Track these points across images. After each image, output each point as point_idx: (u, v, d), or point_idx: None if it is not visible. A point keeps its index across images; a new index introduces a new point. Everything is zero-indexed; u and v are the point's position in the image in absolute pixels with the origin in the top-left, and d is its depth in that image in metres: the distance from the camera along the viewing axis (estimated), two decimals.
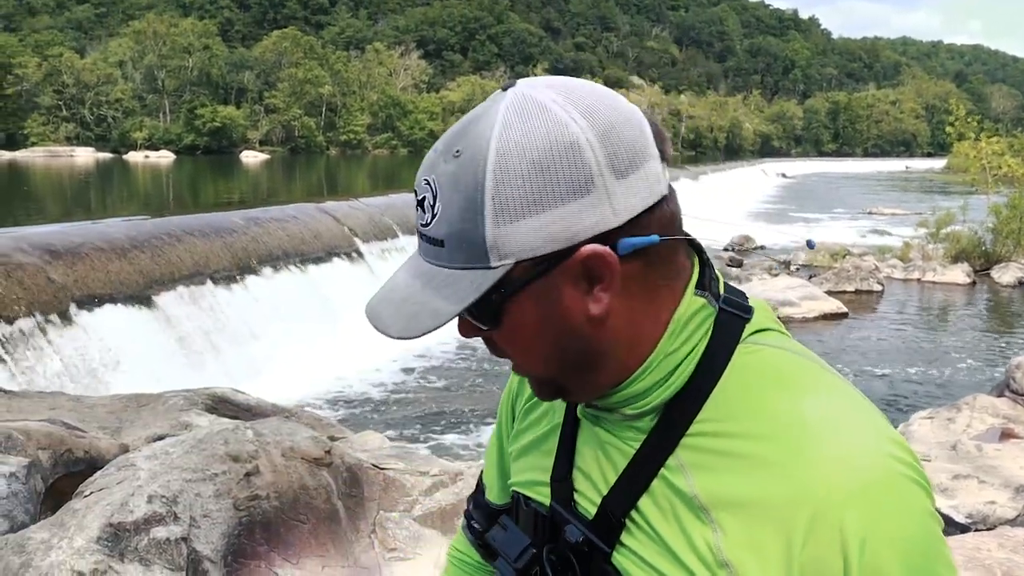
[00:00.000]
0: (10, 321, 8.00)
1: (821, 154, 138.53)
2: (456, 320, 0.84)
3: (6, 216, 20.81)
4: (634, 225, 0.79)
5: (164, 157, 75.77)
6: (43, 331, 8.26)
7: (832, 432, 0.77)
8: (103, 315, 9.03)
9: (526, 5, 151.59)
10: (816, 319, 13.97)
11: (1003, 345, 13.18)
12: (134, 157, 75.26)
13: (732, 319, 0.86)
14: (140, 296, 9.66)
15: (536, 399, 1.04)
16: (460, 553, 1.23)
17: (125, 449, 3.94)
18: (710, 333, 0.85)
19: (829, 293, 15.25)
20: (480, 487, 1.18)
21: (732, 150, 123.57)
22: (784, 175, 69.16)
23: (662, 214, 0.81)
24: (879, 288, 16.79)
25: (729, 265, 18.97)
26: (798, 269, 19.24)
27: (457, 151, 0.78)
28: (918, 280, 18.10)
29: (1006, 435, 6.18)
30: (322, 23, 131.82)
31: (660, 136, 0.82)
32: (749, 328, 0.87)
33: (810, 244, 21.51)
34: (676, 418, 0.84)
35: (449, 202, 0.78)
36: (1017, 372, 7.05)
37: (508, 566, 0.96)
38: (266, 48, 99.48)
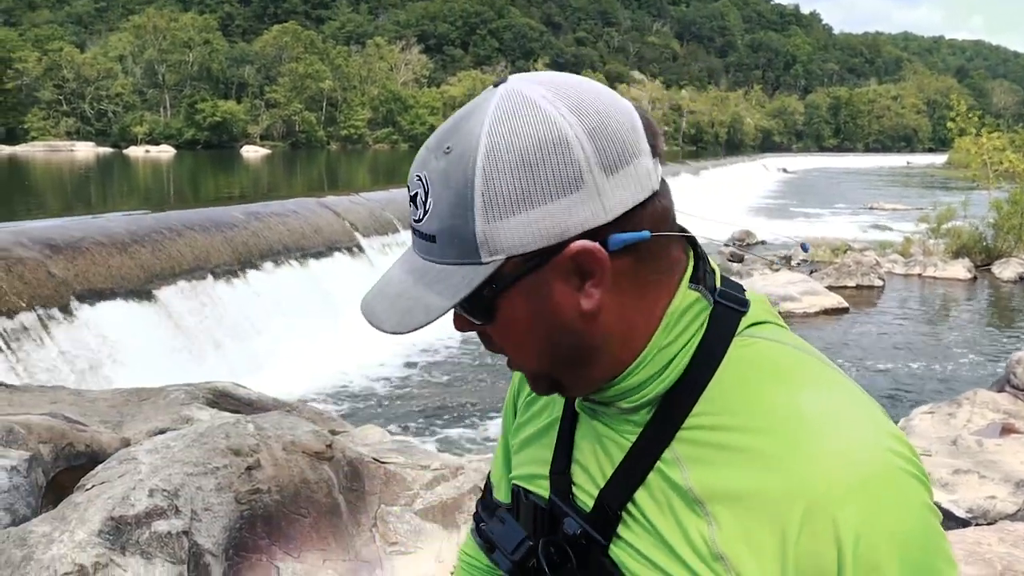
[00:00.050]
0: (11, 315, 8.00)
1: (822, 149, 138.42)
2: (452, 315, 0.85)
3: (6, 211, 20.82)
4: (625, 221, 0.79)
5: (164, 152, 75.77)
6: (44, 325, 8.26)
7: (829, 426, 0.77)
8: (104, 309, 9.03)
9: (527, 0, 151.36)
10: (817, 314, 13.97)
11: (1004, 340, 13.18)
12: (134, 152, 75.25)
13: (728, 312, 0.86)
14: (141, 290, 9.66)
15: (534, 394, 1.04)
16: (469, 557, 1.23)
17: (126, 443, 3.94)
18: (705, 327, 0.85)
19: (830, 288, 15.24)
20: (488, 488, 1.18)
21: (733, 145, 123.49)
22: (785, 170, 69.07)
23: (654, 209, 0.81)
24: (880, 283, 16.79)
25: (730, 260, 18.97)
26: (799, 264, 19.24)
27: (448, 147, 0.79)
28: (919, 275, 18.09)
29: (1006, 430, 6.18)
30: (323, 17, 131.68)
31: (652, 131, 0.82)
32: (745, 321, 0.87)
33: (804, 248, 21.54)
34: (672, 411, 0.84)
35: (440, 198, 0.79)
36: (1018, 367, 7.05)
37: (505, 558, 0.96)
38: (266, 43, 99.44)
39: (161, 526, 2.96)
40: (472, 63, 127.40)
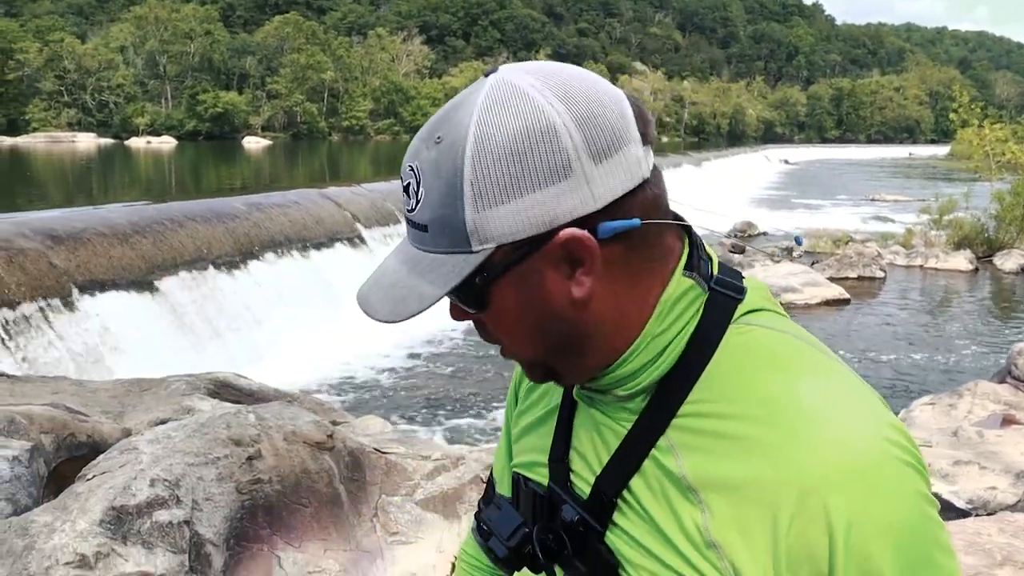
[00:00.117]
0: (13, 306, 8.01)
1: (824, 140, 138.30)
2: (448, 305, 0.86)
3: (8, 201, 20.82)
4: (615, 209, 0.79)
5: (166, 143, 75.71)
6: (45, 316, 8.27)
7: (824, 414, 0.77)
8: (105, 300, 9.03)
9: None
10: (818, 305, 13.97)
11: (1005, 332, 13.17)
12: (136, 143, 75.19)
13: (724, 300, 0.86)
14: (142, 281, 9.67)
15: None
16: (470, 556, 1.24)
17: (127, 433, 3.95)
18: (700, 314, 0.85)
19: (831, 279, 15.24)
20: (490, 484, 1.18)
21: (735, 136, 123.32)
22: (787, 161, 69.00)
23: (644, 197, 0.81)
24: (881, 275, 16.78)
25: (731, 252, 18.95)
26: (800, 256, 19.22)
27: (438, 137, 0.79)
28: (920, 267, 18.08)
29: (1007, 421, 6.18)
30: (324, 8, 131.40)
31: (643, 119, 0.82)
32: (741, 308, 0.87)
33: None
34: (667, 399, 0.84)
35: (431, 188, 0.79)
36: (1019, 359, 7.04)
37: (501, 544, 0.96)
38: (268, 33, 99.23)
39: (162, 516, 2.97)
40: (474, 54, 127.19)
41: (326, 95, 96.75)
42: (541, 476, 0.97)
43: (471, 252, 0.79)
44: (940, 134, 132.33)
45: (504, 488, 1.12)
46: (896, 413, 0.81)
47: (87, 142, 74.74)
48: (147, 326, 9.22)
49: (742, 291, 0.88)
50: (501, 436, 1.19)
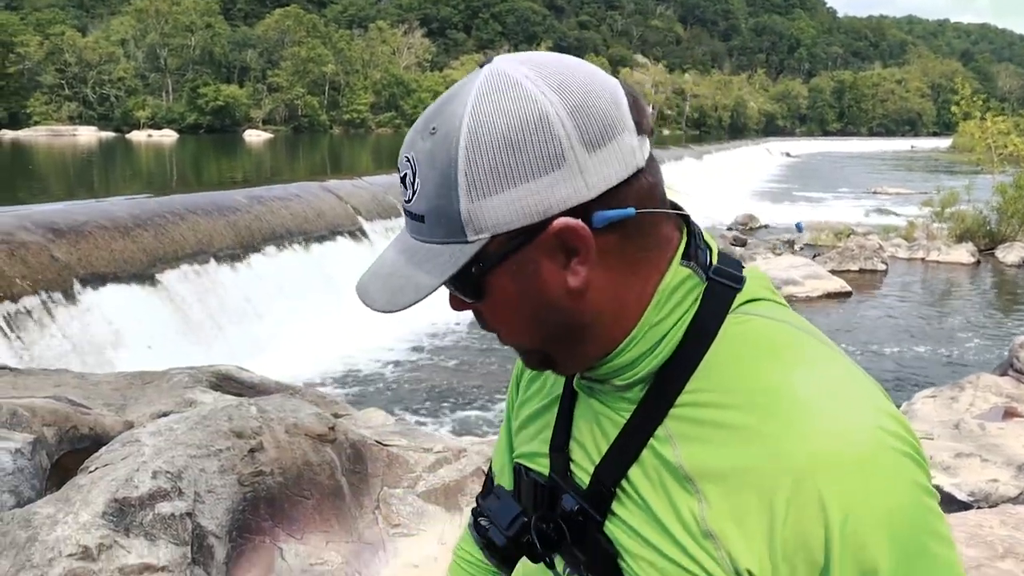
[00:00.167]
0: (15, 299, 8.02)
1: (826, 133, 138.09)
2: (448, 295, 0.86)
3: (9, 195, 20.82)
4: (609, 198, 0.79)
5: (167, 136, 75.66)
6: (47, 309, 8.28)
7: (822, 404, 0.77)
8: (107, 293, 9.05)
9: None
10: (819, 298, 13.97)
11: (1007, 324, 13.18)
12: (137, 136, 75.16)
13: (722, 289, 0.86)
14: (144, 274, 9.67)
15: (535, 372, 1.05)
16: (466, 553, 1.24)
17: (130, 426, 3.95)
18: (698, 303, 0.85)
19: (833, 272, 15.24)
20: (489, 479, 1.18)
21: (736, 129, 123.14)
22: (788, 154, 68.94)
23: (640, 186, 0.81)
24: (883, 267, 16.77)
25: (733, 244, 18.96)
26: (802, 248, 19.22)
27: (433, 128, 0.79)
28: (922, 259, 18.08)
29: (1009, 414, 6.18)
30: (325, 1, 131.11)
31: (638, 109, 0.82)
32: (740, 298, 0.86)
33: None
34: (665, 388, 0.84)
35: (427, 179, 0.79)
36: (1021, 351, 7.05)
37: (500, 534, 0.97)
38: (269, 26, 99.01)
39: (164, 508, 2.97)
40: (475, 47, 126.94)
41: (327, 88, 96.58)
42: (542, 466, 0.97)
43: (467, 242, 0.79)
44: (942, 127, 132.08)
45: (504, 481, 1.12)
46: (898, 406, 0.81)
47: (88, 135, 74.72)
48: (149, 319, 9.23)
49: (741, 280, 0.88)
50: (501, 429, 1.19)
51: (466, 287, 0.82)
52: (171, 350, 8.55)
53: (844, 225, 21.27)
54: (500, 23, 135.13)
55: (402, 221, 0.86)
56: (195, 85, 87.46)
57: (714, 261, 0.88)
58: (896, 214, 25.95)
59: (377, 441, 3.98)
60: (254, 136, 77.96)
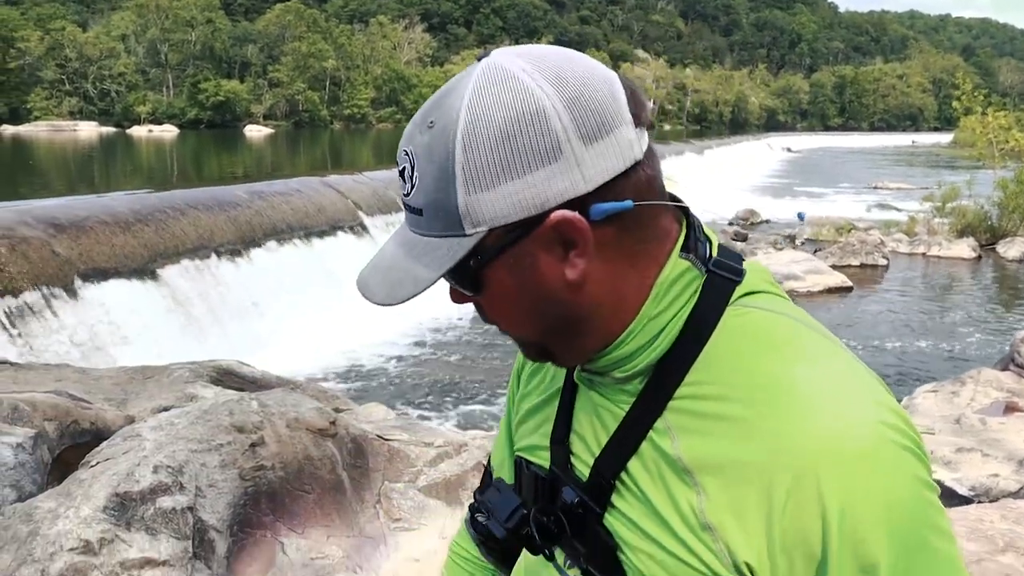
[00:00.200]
0: (16, 294, 8.02)
1: (827, 128, 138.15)
2: (448, 289, 0.86)
3: (10, 190, 20.82)
4: (607, 191, 0.79)
5: (168, 131, 75.69)
6: (48, 304, 8.28)
7: (821, 397, 0.77)
8: (108, 288, 9.05)
9: None
10: (821, 293, 13.96)
11: (1008, 319, 13.17)
12: (138, 131, 75.18)
13: (721, 282, 0.86)
14: (144, 269, 9.67)
15: (536, 365, 1.05)
16: (462, 549, 1.24)
17: (131, 420, 3.96)
18: (697, 296, 0.85)
19: (834, 267, 15.23)
20: (488, 473, 1.18)
21: (737, 124, 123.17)
22: (789, 149, 68.94)
23: (637, 179, 0.81)
24: (884, 262, 16.77)
25: (733, 239, 18.95)
26: (803, 243, 19.21)
27: (431, 122, 0.79)
28: (923, 254, 18.06)
29: (1010, 408, 6.18)
30: None
31: (636, 101, 0.81)
32: (740, 290, 0.86)
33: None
34: (664, 381, 0.84)
35: (425, 172, 0.79)
36: (1022, 346, 7.04)
37: (499, 526, 0.97)
38: (269, 21, 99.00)
39: (166, 502, 2.97)
40: (476, 42, 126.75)
41: (328, 83, 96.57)
42: (542, 459, 0.97)
43: (464, 235, 0.79)
44: (943, 122, 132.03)
45: (505, 474, 1.12)
46: (899, 400, 0.80)
47: (89, 131, 74.73)
48: (150, 314, 9.23)
49: (741, 273, 0.87)
50: (501, 423, 1.19)
51: (464, 280, 0.82)
52: (172, 345, 8.55)
53: (845, 220, 21.23)
54: (501, 18, 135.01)
55: (403, 216, 0.86)
56: (196, 80, 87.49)
57: (714, 254, 0.88)
58: (897, 209, 25.91)
59: (378, 435, 3.99)
60: (255, 131, 77.99)
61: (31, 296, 8.16)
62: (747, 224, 22.84)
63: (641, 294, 0.84)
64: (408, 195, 0.82)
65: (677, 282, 0.84)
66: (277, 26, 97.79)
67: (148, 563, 2.83)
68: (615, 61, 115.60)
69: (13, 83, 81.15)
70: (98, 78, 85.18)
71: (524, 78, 0.77)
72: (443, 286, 0.85)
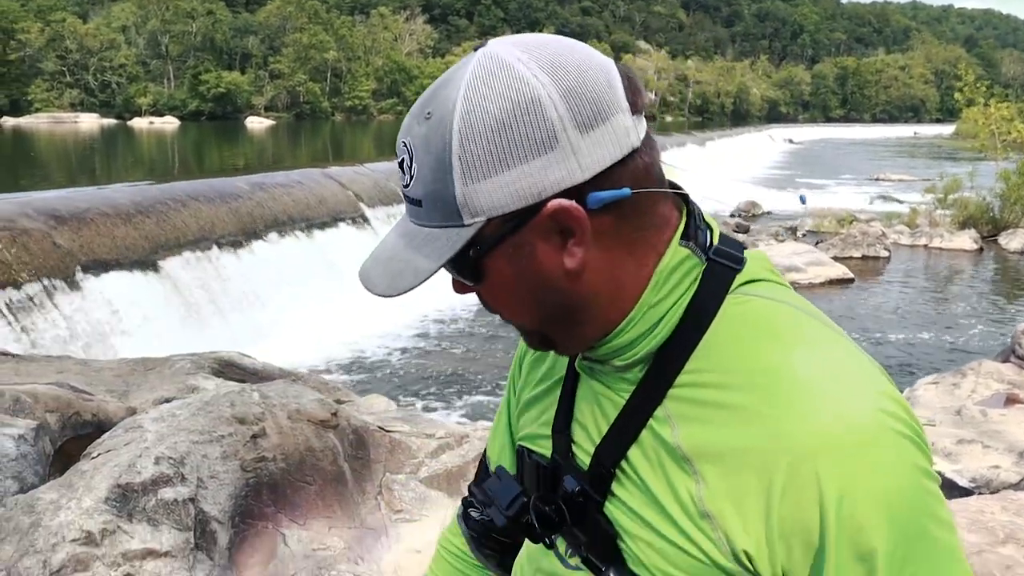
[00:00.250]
0: (17, 286, 8.03)
1: (829, 120, 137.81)
2: (451, 279, 0.86)
3: (11, 182, 20.82)
4: (604, 179, 0.78)
5: (169, 123, 75.62)
6: (50, 296, 8.29)
7: (821, 384, 0.77)
8: (109, 280, 9.06)
9: None
10: (822, 284, 13.96)
11: (1009, 311, 13.17)
12: (139, 123, 75.15)
13: (721, 269, 0.86)
14: (146, 261, 9.68)
15: (539, 354, 1.05)
16: (451, 544, 1.24)
17: (132, 412, 3.96)
18: (697, 284, 0.85)
19: (835, 259, 15.22)
20: (483, 464, 1.18)
21: (739, 116, 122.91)
22: (791, 141, 68.78)
23: (635, 166, 0.80)
24: (886, 254, 16.76)
25: (735, 231, 18.94)
26: (804, 235, 19.19)
27: (428, 113, 0.80)
28: (925, 246, 18.05)
29: (1011, 400, 6.18)
30: None
31: (633, 88, 0.81)
32: (740, 278, 0.86)
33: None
34: (664, 369, 0.84)
35: (423, 163, 0.80)
36: (1023, 338, 7.04)
37: (500, 514, 0.97)
38: (270, 13, 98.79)
39: (167, 493, 2.98)
40: (477, 33, 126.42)
41: (329, 75, 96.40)
42: (544, 448, 0.97)
43: (463, 225, 0.79)
44: (945, 113, 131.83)
45: (505, 462, 1.12)
46: (900, 392, 0.80)
47: (90, 122, 74.69)
48: (151, 306, 9.25)
49: (741, 261, 0.87)
50: (498, 414, 1.19)
51: (464, 270, 0.83)
52: (173, 336, 8.56)
53: (847, 212, 21.21)
54: (502, 9, 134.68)
55: (403, 207, 0.86)
56: (196, 72, 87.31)
57: (715, 242, 0.87)
58: (899, 201, 25.89)
59: (379, 427, 3.99)
60: (256, 123, 77.90)
61: (32, 288, 8.17)
62: (749, 216, 22.82)
63: (640, 282, 0.84)
64: (407, 186, 0.82)
65: (677, 270, 0.84)
66: (278, 17, 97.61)
67: (150, 554, 2.83)
68: (617, 52, 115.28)
69: (14, 75, 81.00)
70: (99, 70, 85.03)
71: (519, 67, 0.77)
72: (446, 278, 0.86)
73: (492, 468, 1.15)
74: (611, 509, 0.87)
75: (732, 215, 22.45)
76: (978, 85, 22.09)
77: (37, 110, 78.76)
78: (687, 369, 0.83)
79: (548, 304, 0.84)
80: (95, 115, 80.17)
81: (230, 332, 9.54)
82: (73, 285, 8.63)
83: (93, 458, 3.13)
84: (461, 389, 9.29)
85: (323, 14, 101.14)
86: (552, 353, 1.01)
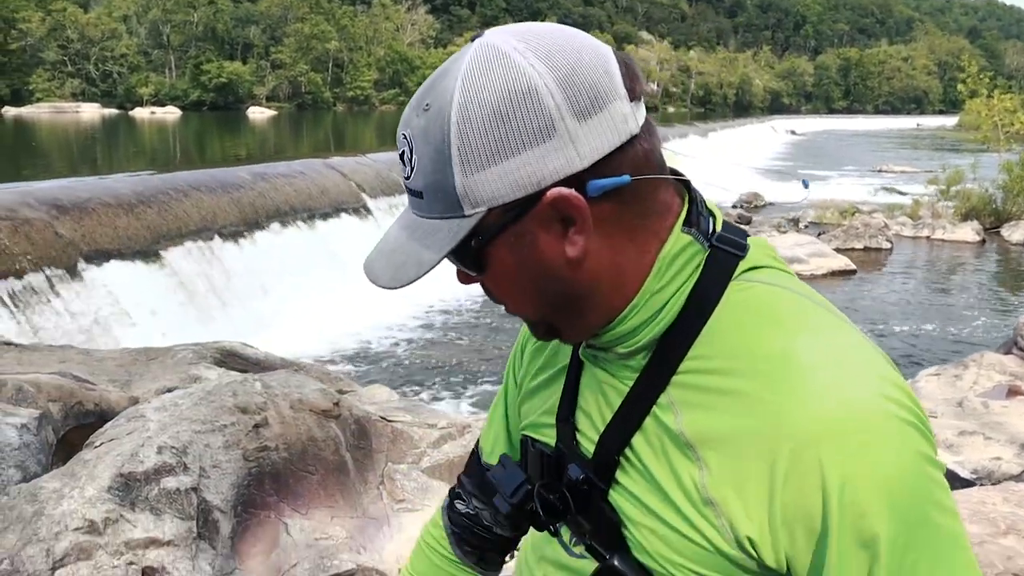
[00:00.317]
0: (19, 276, 8.03)
1: (831, 111, 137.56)
2: (455, 270, 0.87)
3: (13, 171, 20.82)
4: (603, 166, 0.78)
5: (170, 113, 75.54)
6: (52, 286, 8.29)
7: (823, 371, 0.76)
8: (111, 270, 9.06)
9: None
10: (824, 276, 13.95)
11: (1012, 303, 13.16)
12: (140, 113, 75.08)
13: (724, 256, 0.86)
14: (148, 251, 9.68)
15: (541, 343, 1.05)
16: (432, 539, 1.23)
17: (135, 401, 3.97)
18: (699, 270, 0.85)
19: (838, 250, 15.21)
20: (474, 455, 1.18)
21: (742, 107, 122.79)
22: (794, 132, 68.60)
23: (634, 153, 0.80)
24: (888, 246, 16.74)
25: (738, 222, 18.85)
26: (807, 226, 19.17)
27: (427, 105, 0.80)
28: (927, 238, 18.03)
29: (1013, 392, 6.18)
30: None
31: (631, 75, 0.81)
32: (743, 265, 0.86)
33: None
34: (667, 356, 0.84)
35: (423, 155, 0.80)
36: None
37: (504, 501, 0.97)
38: (272, 2, 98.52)
39: (170, 482, 2.98)
40: (479, 23, 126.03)
41: (330, 65, 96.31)
42: (548, 437, 0.98)
43: (464, 216, 0.79)
44: (948, 105, 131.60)
45: (505, 451, 1.13)
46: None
47: (91, 112, 74.66)
48: (153, 296, 9.25)
49: (744, 248, 0.87)
50: (493, 405, 1.19)
51: (467, 260, 0.83)
52: (175, 326, 8.57)
53: (849, 203, 21.17)
54: None
55: (405, 197, 0.86)
56: (198, 62, 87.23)
57: (718, 228, 0.87)
58: (901, 192, 25.82)
59: (382, 417, 4.00)
60: (257, 113, 77.83)
61: (34, 278, 8.17)
62: (751, 207, 22.79)
63: (643, 269, 0.84)
64: (409, 178, 0.82)
65: (679, 257, 0.84)
66: (279, 7, 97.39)
67: (153, 543, 2.84)
68: (619, 43, 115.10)
69: (15, 64, 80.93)
70: (100, 59, 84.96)
71: (516, 57, 0.77)
72: (451, 268, 0.86)
73: (484, 459, 1.15)
74: (615, 497, 0.87)
75: (734, 206, 22.42)
76: (981, 76, 22.03)
77: (38, 100, 78.70)
78: (690, 356, 0.83)
79: (551, 293, 0.84)
80: (96, 105, 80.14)
81: (232, 322, 9.55)
82: (75, 275, 8.63)
83: (96, 447, 3.14)
84: (466, 379, 9.30)
85: (325, 4, 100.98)
86: (554, 342, 1.01)
